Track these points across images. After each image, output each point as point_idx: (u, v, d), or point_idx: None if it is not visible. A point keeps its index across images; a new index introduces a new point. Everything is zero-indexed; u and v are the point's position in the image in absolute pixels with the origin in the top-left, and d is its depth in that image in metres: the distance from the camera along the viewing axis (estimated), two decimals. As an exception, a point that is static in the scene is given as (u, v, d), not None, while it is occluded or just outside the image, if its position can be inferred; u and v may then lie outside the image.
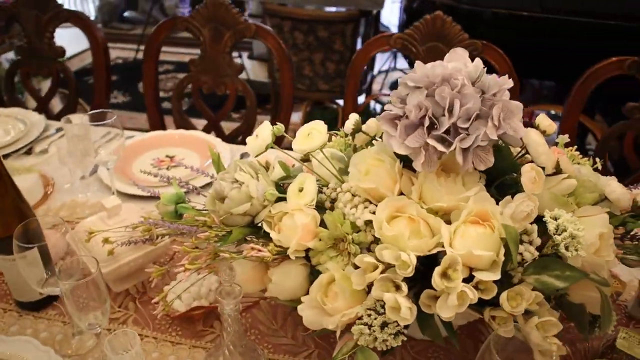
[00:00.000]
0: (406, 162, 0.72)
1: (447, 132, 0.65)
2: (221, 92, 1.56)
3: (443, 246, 0.64)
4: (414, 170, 0.71)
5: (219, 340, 0.87)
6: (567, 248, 0.59)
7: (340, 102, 2.92)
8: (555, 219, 0.61)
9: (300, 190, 0.75)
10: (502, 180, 0.70)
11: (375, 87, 3.64)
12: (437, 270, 0.61)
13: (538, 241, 0.65)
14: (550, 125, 0.71)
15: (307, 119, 3.05)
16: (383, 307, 0.65)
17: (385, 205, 0.68)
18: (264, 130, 0.78)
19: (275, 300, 0.82)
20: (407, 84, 0.69)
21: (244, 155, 1.39)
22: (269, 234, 0.75)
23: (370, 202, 0.72)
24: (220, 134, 1.61)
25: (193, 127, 1.58)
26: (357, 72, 1.46)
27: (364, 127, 0.80)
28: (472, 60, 0.69)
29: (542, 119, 0.72)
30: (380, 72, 3.68)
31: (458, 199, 0.67)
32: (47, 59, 1.67)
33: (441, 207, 0.68)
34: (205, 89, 1.57)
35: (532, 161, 0.69)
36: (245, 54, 3.66)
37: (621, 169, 1.37)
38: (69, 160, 1.20)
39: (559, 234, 0.60)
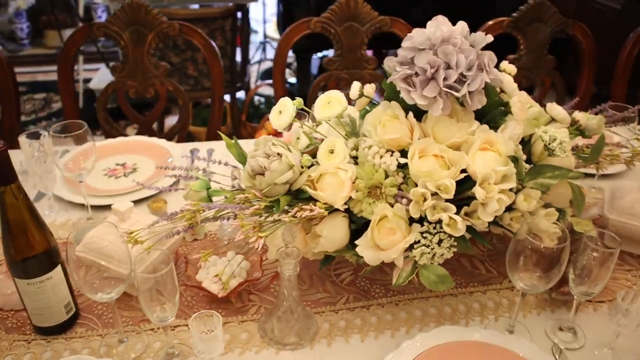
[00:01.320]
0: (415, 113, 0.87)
1: (455, 81, 0.81)
2: (150, 95, 1.54)
3: (465, 171, 0.82)
4: (419, 120, 0.87)
5: (265, 310, 0.93)
6: (560, 151, 0.80)
7: (227, 97, 2.96)
8: (545, 133, 0.81)
9: (331, 152, 0.86)
10: (490, 115, 0.89)
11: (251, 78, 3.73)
12: (476, 187, 0.78)
13: (524, 157, 0.86)
14: (513, 69, 0.92)
15: (194, 118, 3.03)
16: (435, 228, 0.80)
17: (415, 149, 0.82)
18: (287, 105, 0.87)
19: (313, 257, 0.92)
20: (410, 47, 0.84)
21: (194, 151, 1.42)
22: (307, 197, 0.85)
23: (392, 152, 0.86)
24: (155, 135, 1.59)
25: (124, 135, 1.54)
26: (282, 60, 1.56)
27: (365, 92, 0.93)
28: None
29: (506, 65, 0.92)
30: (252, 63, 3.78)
31: (466, 134, 0.84)
32: None
33: (454, 143, 0.84)
34: (133, 94, 1.53)
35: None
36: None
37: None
38: (31, 181, 1.13)
39: (552, 142, 0.80)
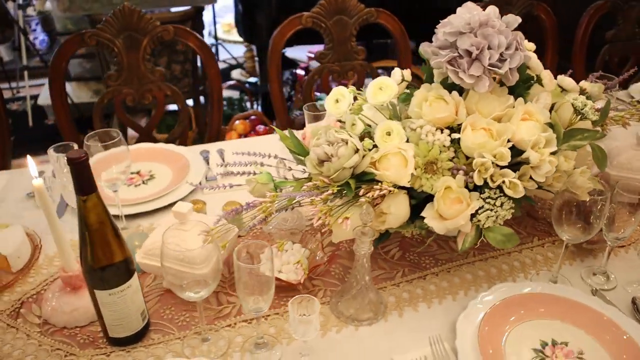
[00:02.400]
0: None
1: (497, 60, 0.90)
2: (148, 101, 1.52)
3: (509, 141, 0.90)
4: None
5: (331, 292, 0.97)
6: (592, 115, 0.90)
7: (189, 102, 2.91)
8: (576, 100, 0.91)
9: (388, 134, 0.92)
10: (518, 89, 0.98)
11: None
12: (529, 151, 0.87)
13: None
14: (532, 46, 1.02)
15: (159, 125, 2.96)
16: (495, 193, 0.88)
17: (466, 124, 0.90)
18: (344, 94, 0.91)
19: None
20: (451, 32, 0.91)
21: (203, 152, 1.42)
22: (369, 179, 0.91)
23: (442, 130, 0.93)
24: (155, 141, 1.56)
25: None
26: (277, 55, 1.59)
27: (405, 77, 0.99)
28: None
29: (526, 43, 1.02)
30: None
31: (506, 107, 0.93)
32: None
33: (496, 116, 0.93)
34: (130, 101, 1.50)
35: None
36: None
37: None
38: (66, 195, 1.09)
39: (584, 108, 0.91)
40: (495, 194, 0.87)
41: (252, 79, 3.45)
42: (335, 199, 0.89)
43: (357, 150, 0.88)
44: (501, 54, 0.89)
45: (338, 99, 0.93)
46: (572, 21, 1.83)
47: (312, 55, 3.55)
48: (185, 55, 2.67)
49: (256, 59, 3.01)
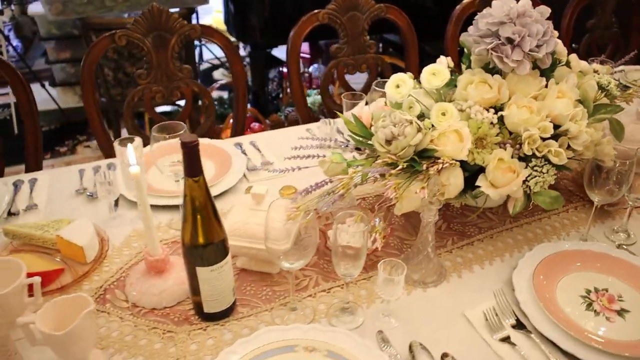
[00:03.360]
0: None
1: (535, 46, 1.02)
2: (176, 98, 1.57)
3: (547, 117, 1.03)
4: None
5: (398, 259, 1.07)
6: (615, 91, 1.04)
7: (181, 102, 2.92)
8: (601, 79, 1.05)
9: (443, 114, 1.02)
10: (547, 71, 1.11)
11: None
12: (569, 124, 0.99)
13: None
14: (555, 32, 1.14)
15: (150, 125, 2.96)
16: (541, 162, 1.00)
17: (511, 102, 1.02)
18: (405, 80, 1.01)
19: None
20: (492, 22, 1.03)
21: (237, 145, 1.48)
22: (428, 155, 1.01)
23: (487, 109, 1.04)
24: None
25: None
26: (296, 52, 1.67)
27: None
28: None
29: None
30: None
31: (540, 87, 1.06)
32: None
33: (534, 95, 1.05)
34: (159, 98, 1.55)
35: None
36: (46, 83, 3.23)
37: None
38: (128, 185, 1.14)
39: (608, 85, 1.04)
40: (541, 162, 1.00)
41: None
42: (399, 175, 0.99)
43: (419, 130, 0.98)
44: (538, 40, 1.02)
45: (399, 84, 1.02)
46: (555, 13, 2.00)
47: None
48: (179, 55, 2.69)
49: (247, 59, 3.06)
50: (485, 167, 1.01)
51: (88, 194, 1.29)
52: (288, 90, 3.33)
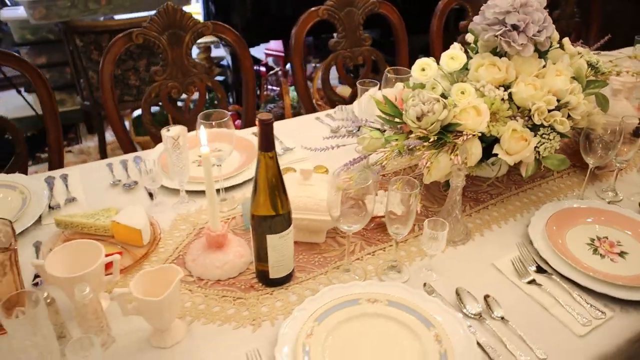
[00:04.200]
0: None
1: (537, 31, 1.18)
2: (191, 93, 1.64)
3: (549, 92, 1.19)
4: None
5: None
6: (603, 68, 1.21)
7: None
8: (590, 58, 1.22)
9: (462, 93, 1.16)
10: (542, 53, 1.27)
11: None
12: (569, 96, 1.16)
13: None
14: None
15: (136, 128, 2.98)
16: (547, 130, 1.15)
17: (519, 81, 1.17)
18: (430, 64, 1.14)
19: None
20: (499, 12, 1.18)
21: (254, 135, 1.57)
22: (451, 130, 1.15)
23: (497, 87, 1.19)
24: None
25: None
26: (300, 46, 1.78)
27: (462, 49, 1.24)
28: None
29: (542, 19, 1.31)
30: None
31: (540, 68, 1.22)
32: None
33: (536, 74, 1.21)
34: (175, 94, 1.61)
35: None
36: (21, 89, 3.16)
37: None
38: (174, 172, 1.21)
39: (597, 64, 1.21)
40: (548, 130, 1.15)
41: (219, 77, 3.55)
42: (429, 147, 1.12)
43: (445, 107, 1.12)
44: (539, 26, 1.18)
45: (424, 68, 1.16)
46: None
47: (270, 53, 3.73)
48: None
49: (227, 57, 3.12)
50: (499, 138, 1.16)
51: (124, 185, 1.35)
52: (267, 87, 3.42)
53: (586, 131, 1.24)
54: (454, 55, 1.18)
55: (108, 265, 1.07)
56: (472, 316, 0.97)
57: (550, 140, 1.15)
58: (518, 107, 1.20)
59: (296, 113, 3.13)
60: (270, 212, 0.96)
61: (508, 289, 1.04)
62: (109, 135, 3.12)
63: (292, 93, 3.29)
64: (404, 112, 1.15)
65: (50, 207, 1.28)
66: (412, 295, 0.99)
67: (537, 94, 1.16)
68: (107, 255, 1.09)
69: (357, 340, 0.92)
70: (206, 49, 3.75)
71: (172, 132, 1.19)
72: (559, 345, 0.92)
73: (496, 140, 1.17)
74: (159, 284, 0.90)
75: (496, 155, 1.16)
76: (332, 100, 1.92)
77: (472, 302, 1.00)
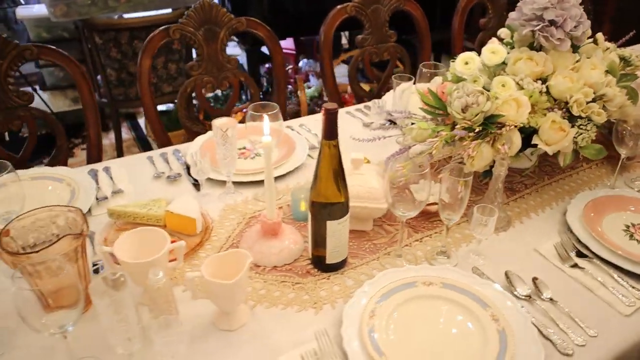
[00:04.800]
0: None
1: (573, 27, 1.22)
2: (224, 88, 1.67)
3: (584, 85, 1.24)
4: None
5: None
6: (636, 61, 1.27)
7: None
8: (622, 52, 1.27)
9: (502, 85, 1.21)
10: (577, 48, 1.32)
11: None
12: (606, 89, 1.20)
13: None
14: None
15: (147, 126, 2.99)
16: (585, 121, 1.20)
17: (557, 74, 1.22)
18: (473, 58, 1.19)
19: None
20: (537, 8, 1.22)
21: (288, 128, 1.61)
22: (493, 121, 1.19)
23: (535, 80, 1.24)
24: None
25: (204, 132, 1.65)
26: (329, 42, 1.82)
27: (503, 42, 1.29)
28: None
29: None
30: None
31: (575, 61, 1.27)
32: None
33: (572, 67, 1.26)
34: (209, 89, 1.65)
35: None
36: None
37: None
38: (222, 165, 1.24)
39: (630, 58, 1.27)
40: (585, 122, 1.20)
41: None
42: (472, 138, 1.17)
43: (488, 99, 1.16)
44: (576, 22, 1.22)
45: (467, 62, 1.20)
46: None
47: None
48: (179, 54, 2.76)
49: (242, 55, 3.15)
50: (538, 129, 1.21)
51: (168, 176, 1.38)
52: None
53: (618, 123, 1.29)
54: (495, 50, 1.23)
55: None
56: (523, 297, 1.02)
57: (588, 130, 1.20)
58: (555, 100, 1.25)
59: (310, 110, 3.17)
60: (332, 199, 1.00)
61: (553, 273, 1.09)
62: (124, 133, 3.14)
63: (307, 90, 3.32)
64: (448, 104, 1.19)
65: (96, 198, 1.30)
66: (465, 277, 1.04)
67: (574, 86, 1.21)
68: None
69: (417, 320, 0.96)
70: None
71: (220, 123, 1.22)
72: (606, 324, 0.97)
73: (534, 131, 1.22)
74: (225, 269, 0.94)
75: (534, 145, 1.21)
76: (359, 95, 1.96)
77: (521, 284, 1.04)
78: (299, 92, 2.97)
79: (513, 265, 1.10)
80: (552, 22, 1.22)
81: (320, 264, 1.08)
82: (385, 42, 1.91)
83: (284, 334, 0.95)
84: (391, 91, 1.84)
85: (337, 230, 1.03)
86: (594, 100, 1.23)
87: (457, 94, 1.17)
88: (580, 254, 1.14)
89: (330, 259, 1.06)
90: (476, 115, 1.15)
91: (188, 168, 1.43)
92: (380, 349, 0.89)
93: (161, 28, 1.54)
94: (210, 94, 3.19)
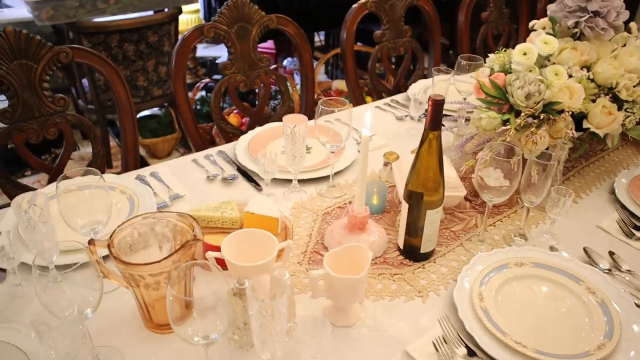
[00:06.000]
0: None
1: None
2: (257, 87, 1.64)
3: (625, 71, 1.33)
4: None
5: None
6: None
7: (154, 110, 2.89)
8: (654, 40, 1.38)
9: (556, 74, 1.27)
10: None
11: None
12: (632, 76, 1.30)
13: None
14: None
15: (141, 131, 2.87)
16: (631, 104, 1.29)
17: (602, 62, 1.30)
18: (532, 50, 1.24)
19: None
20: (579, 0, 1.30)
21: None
22: (546, 110, 1.26)
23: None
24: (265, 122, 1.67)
25: (232, 135, 1.62)
26: (351, 38, 1.83)
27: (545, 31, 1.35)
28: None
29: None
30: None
31: (613, 50, 1.36)
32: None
33: (613, 55, 1.35)
34: (242, 87, 1.62)
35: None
36: None
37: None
38: (290, 162, 1.23)
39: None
40: (631, 105, 1.30)
41: (217, 76, 3.49)
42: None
43: (547, 87, 1.23)
44: (617, 12, 1.31)
45: (526, 52, 1.26)
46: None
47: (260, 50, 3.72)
48: (170, 56, 2.67)
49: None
50: (587, 114, 1.29)
51: (224, 178, 1.35)
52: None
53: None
54: (547, 40, 1.29)
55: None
56: (605, 271, 1.09)
57: (634, 113, 1.29)
58: (599, 86, 1.33)
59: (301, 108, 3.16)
60: (432, 188, 1.02)
61: (621, 247, 1.17)
62: (111, 140, 3.00)
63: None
64: (509, 94, 1.24)
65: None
66: (551, 256, 1.09)
67: (617, 72, 1.29)
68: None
69: (521, 300, 1.01)
70: (192, 48, 3.68)
71: (290, 121, 1.21)
72: (683, 289, 1.06)
73: (583, 116, 1.30)
74: (340, 265, 0.94)
75: (585, 129, 1.29)
76: (378, 90, 1.99)
77: (600, 259, 1.11)
78: (291, 90, 2.96)
79: (583, 242, 1.17)
80: (595, 13, 1.30)
81: (413, 253, 1.10)
82: (401, 37, 1.95)
83: (401, 324, 0.96)
84: (418, 82, 1.89)
85: (434, 219, 1.05)
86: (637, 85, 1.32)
87: (519, 83, 1.22)
88: (636, 227, 1.22)
89: (424, 248, 1.09)
90: (537, 103, 1.21)
91: (239, 169, 1.40)
92: (502, 329, 0.92)
93: (195, 27, 1.50)
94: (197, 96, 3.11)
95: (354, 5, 1.82)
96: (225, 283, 0.80)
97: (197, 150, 1.56)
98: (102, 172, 1.48)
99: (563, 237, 1.19)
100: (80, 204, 0.99)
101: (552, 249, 1.15)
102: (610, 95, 1.31)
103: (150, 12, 2.65)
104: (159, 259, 0.94)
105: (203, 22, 3.69)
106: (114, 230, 0.91)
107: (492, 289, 1.02)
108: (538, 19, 1.49)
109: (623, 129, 1.31)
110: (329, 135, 1.28)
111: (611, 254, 1.13)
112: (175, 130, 2.96)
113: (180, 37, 1.49)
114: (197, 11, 3.54)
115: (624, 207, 1.28)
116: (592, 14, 1.30)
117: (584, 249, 1.13)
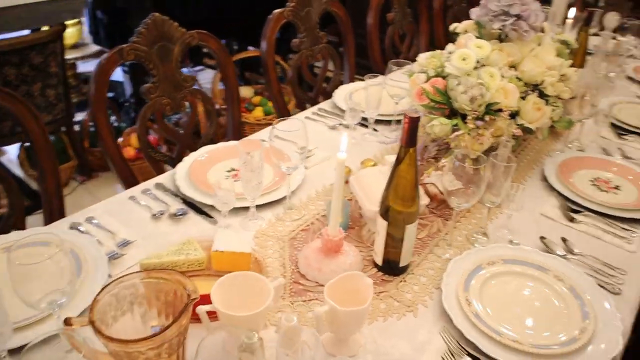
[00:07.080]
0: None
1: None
2: (184, 108, 1.52)
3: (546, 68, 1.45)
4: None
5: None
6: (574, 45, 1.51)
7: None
8: (567, 38, 1.51)
9: (491, 76, 1.34)
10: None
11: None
12: (566, 69, 1.42)
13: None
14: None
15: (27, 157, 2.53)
16: (555, 99, 1.41)
17: (527, 61, 1.40)
18: (470, 56, 1.29)
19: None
20: (504, 4, 1.38)
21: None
22: (488, 112, 1.32)
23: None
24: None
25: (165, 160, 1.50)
26: (271, 48, 1.77)
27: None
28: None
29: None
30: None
31: (530, 50, 1.46)
32: None
33: (534, 54, 1.45)
34: (169, 111, 1.48)
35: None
36: None
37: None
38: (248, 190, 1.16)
39: (570, 43, 1.51)
40: (554, 99, 1.41)
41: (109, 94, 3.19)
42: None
43: (487, 90, 1.29)
44: (536, 15, 1.41)
45: (464, 58, 1.30)
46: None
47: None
48: (57, 77, 2.38)
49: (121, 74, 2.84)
50: (519, 111, 1.38)
51: (173, 214, 1.24)
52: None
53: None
54: (480, 45, 1.35)
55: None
56: (562, 257, 1.17)
57: (559, 107, 1.41)
58: (526, 84, 1.43)
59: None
60: (410, 203, 1.02)
61: (567, 231, 1.27)
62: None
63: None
64: (452, 98, 1.29)
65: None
66: (514, 251, 1.15)
67: (540, 70, 1.40)
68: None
69: (503, 298, 1.05)
70: (72, 65, 3.35)
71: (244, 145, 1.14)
72: (623, 261, 1.17)
73: (515, 113, 1.38)
74: (339, 295, 0.90)
75: (519, 125, 1.38)
76: (301, 100, 1.96)
77: (555, 246, 1.20)
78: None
79: (535, 231, 1.25)
80: (518, 16, 1.39)
81: (392, 268, 1.09)
82: (318, 43, 1.93)
83: (402, 343, 0.95)
84: (341, 88, 1.89)
85: (412, 232, 1.05)
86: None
87: (462, 88, 1.27)
88: (573, 210, 1.34)
89: (403, 262, 1.09)
90: (480, 106, 1.27)
91: (185, 201, 1.29)
92: (497, 330, 0.95)
93: (114, 50, 1.34)
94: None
95: (270, 16, 1.77)
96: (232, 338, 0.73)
97: (128, 186, 1.41)
98: (22, 226, 1.29)
99: (516, 230, 1.26)
100: (28, 275, 0.83)
101: (511, 242, 1.21)
102: (537, 91, 1.42)
103: (27, 32, 2.34)
104: (143, 328, 0.83)
105: (85, 35, 3.39)
106: (93, 301, 0.78)
107: (475, 293, 1.04)
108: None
109: (551, 122, 1.42)
110: (284, 158, 1.22)
111: (564, 240, 1.22)
112: (71, 157, 2.67)
113: (97, 63, 1.33)
114: (78, 22, 3.22)
115: (560, 194, 1.39)
116: (515, 17, 1.39)
117: (541, 238, 1.21)
